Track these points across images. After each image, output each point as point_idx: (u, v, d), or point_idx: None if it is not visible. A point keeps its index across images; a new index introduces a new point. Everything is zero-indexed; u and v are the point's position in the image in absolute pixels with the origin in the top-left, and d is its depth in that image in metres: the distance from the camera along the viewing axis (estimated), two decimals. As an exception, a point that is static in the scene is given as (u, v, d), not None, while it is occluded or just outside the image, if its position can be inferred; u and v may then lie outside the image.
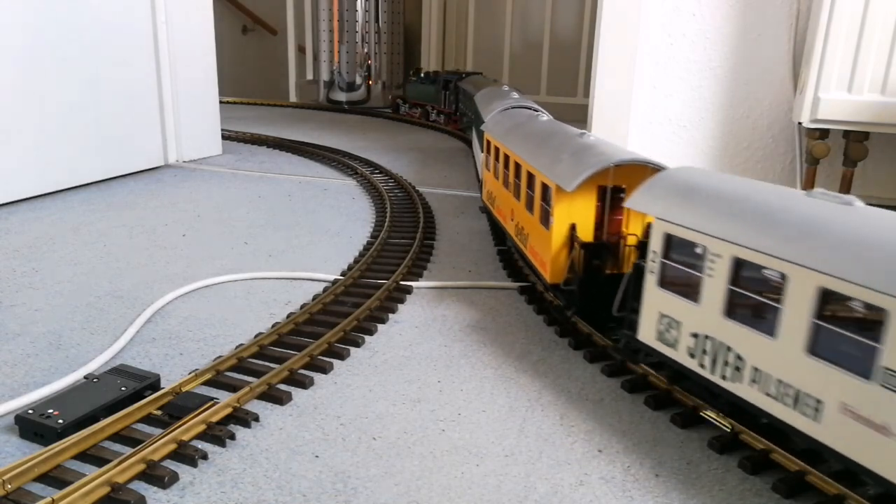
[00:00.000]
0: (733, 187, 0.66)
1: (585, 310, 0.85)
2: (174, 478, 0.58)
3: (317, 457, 0.62)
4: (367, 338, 0.86)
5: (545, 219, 0.90)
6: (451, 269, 1.14)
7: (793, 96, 1.52)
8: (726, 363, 0.62)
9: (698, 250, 0.64)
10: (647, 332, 0.71)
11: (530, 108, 1.34)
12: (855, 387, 0.50)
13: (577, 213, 0.85)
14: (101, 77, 1.66)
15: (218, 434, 0.63)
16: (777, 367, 0.57)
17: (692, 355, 0.66)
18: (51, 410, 0.64)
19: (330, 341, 0.82)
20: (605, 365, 0.80)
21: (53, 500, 0.52)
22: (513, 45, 3.50)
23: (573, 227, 0.86)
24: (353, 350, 0.83)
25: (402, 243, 1.23)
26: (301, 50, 3.98)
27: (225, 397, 0.69)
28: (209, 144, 2.10)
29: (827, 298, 0.52)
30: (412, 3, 3.77)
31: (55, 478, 0.57)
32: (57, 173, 1.57)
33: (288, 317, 0.90)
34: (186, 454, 0.60)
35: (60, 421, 0.63)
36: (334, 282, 1.03)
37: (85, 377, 0.72)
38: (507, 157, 1.11)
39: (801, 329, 0.54)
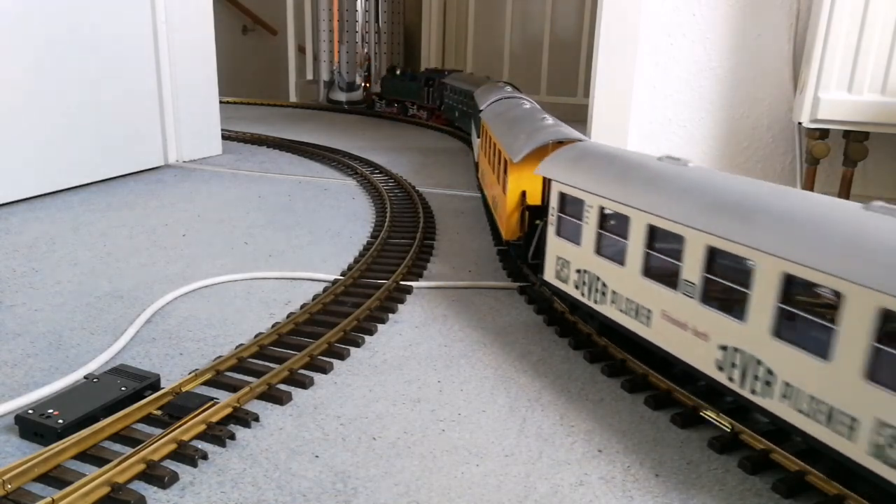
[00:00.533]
0: (608, 156, 0.83)
1: (529, 260, 1.00)
2: (174, 478, 0.58)
3: (317, 457, 0.62)
4: (367, 338, 0.86)
5: (504, 187, 1.08)
6: (451, 269, 1.14)
7: (793, 96, 1.52)
8: (597, 290, 0.80)
9: (580, 205, 0.82)
10: (549, 273, 0.90)
11: (519, 99, 1.48)
12: (669, 298, 0.69)
13: (526, 182, 1.02)
14: (100, 77, 1.66)
15: (218, 434, 0.63)
16: (625, 288, 0.75)
17: (577, 287, 0.84)
18: (51, 410, 0.64)
19: (330, 341, 0.82)
20: (605, 365, 0.80)
21: (53, 500, 0.52)
22: (513, 45, 3.50)
23: (523, 194, 1.03)
24: (353, 350, 0.83)
25: (402, 243, 1.23)
26: (301, 50, 3.98)
27: (225, 397, 0.69)
28: (209, 144, 2.10)
29: (653, 233, 0.71)
30: (412, 3, 3.77)
31: (55, 478, 0.57)
32: (57, 173, 1.57)
33: (288, 317, 0.90)
34: (186, 454, 0.60)
35: (60, 421, 0.63)
36: (334, 282, 1.03)
37: (85, 377, 0.72)
38: (489, 138, 1.30)
39: (640, 258, 0.73)
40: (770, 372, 0.58)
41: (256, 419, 0.67)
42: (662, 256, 0.70)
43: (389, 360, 0.82)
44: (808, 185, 1.48)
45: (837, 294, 0.51)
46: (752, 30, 1.53)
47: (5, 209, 1.43)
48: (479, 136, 1.46)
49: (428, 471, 0.61)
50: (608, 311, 0.78)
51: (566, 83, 3.36)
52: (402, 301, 0.99)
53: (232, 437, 0.64)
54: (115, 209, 1.46)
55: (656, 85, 1.60)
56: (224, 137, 2.23)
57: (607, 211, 0.77)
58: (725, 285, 0.62)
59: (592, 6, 3.12)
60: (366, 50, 3.60)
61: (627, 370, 0.79)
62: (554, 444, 0.65)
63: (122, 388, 0.69)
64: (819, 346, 0.53)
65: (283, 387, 0.73)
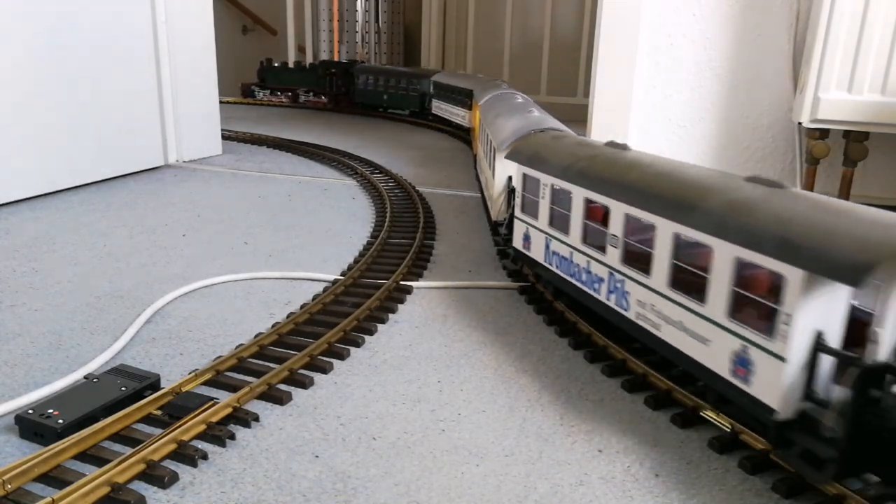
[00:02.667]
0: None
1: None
2: (174, 478, 0.58)
3: (317, 457, 0.62)
4: (367, 338, 0.86)
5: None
6: (451, 269, 1.14)
7: (793, 96, 1.52)
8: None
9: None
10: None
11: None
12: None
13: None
14: (101, 77, 1.67)
15: (218, 434, 0.63)
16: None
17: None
18: (51, 410, 0.64)
19: (330, 341, 0.82)
20: (605, 365, 0.80)
21: (53, 500, 0.52)
22: (513, 45, 3.50)
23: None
24: (353, 350, 0.83)
25: (402, 243, 1.23)
26: (301, 50, 3.98)
27: (225, 397, 0.69)
28: (209, 144, 2.10)
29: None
30: (412, 3, 3.77)
31: (55, 478, 0.57)
32: (57, 173, 1.57)
33: (288, 317, 0.90)
34: (186, 454, 0.60)
35: (60, 421, 0.63)
36: (334, 282, 1.03)
37: (85, 377, 0.72)
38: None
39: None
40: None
41: (256, 419, 0.67)
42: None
43: (389, 360, 0.82)
44: (808, 185, 1.48)
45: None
46: (752, 30, 1.53)
47: (5, 209, 1.43)
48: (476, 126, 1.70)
49: (428, 471, 0.61)
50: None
51: (566, 83, 3.36)
52: (402, 301, 0.99)
53: (232, 437, 0.64)
54: (115, 209, 1.46)
55: (656, 85, 1.60)
56: (224, 137, 2.23)
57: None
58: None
59: (592, 6, 3.12)
60: (366, 50, 3.60)
61: (627, 370, 0.79)
62: (554, 444, 0.65)
63: (122, 388, 0.69)
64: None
65: (283, 387, 0.73)
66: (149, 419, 0.66)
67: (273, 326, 0.86)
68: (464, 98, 2.42)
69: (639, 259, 0.74)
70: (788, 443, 0.58)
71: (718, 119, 1.59)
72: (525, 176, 0.99)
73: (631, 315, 0.76)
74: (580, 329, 0.88)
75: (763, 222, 0.59)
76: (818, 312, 0.56)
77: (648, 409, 0.72)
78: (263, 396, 0.71)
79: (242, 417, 0.67)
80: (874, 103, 1.34)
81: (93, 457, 0.60)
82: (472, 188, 1.75)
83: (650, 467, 0.62)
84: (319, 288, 1.03)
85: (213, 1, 2.02)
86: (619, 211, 0.77)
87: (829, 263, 0.52)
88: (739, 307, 0.61)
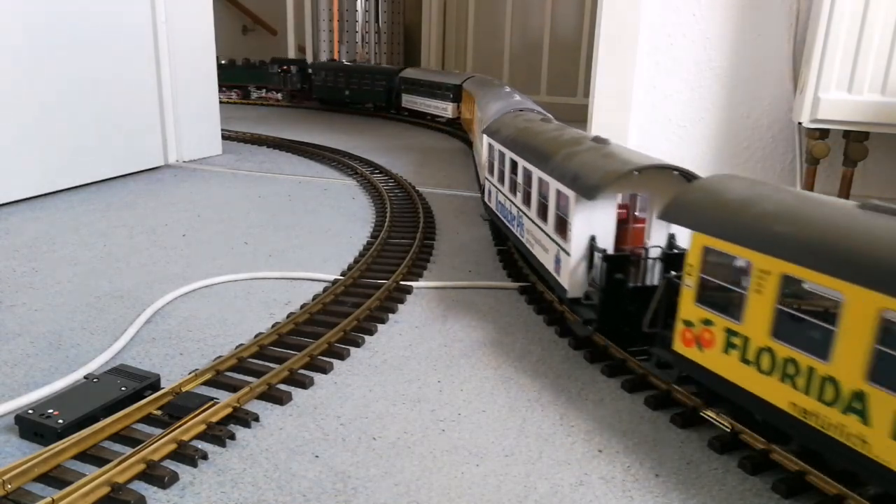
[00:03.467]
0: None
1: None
2: (174, 478, 0.58)
3: (317, 457, 0.62)
4: (367, 338, 0.86)
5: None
6: (451, 269, 1.14)
7: (793, 96, 1.52)
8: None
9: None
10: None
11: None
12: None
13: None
14: (101, 77, 1.66)
15: (218, 434, 0.63)
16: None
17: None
18: (51, 410, 0.64)
19: (330, 341, 0.82)
20: (605, 365, 0.80)
21: (53, 500, 0.52)
22: (513, 45, 3.50)
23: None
24: (353, 350, 0.83)
25: (402, 243, 1.23)
26: (301, 50, 3.97)
27: (225, 397, 0.69)
28: (209, 144, 2.10)
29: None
30: (412, 3, 3.77)
31: (55, 478, 0.57)
32: (57, 173, 1.57)
33: (288, 317, 0.90)
34: (186, 454, 0.60)
35: (60, 421, 0.63)
36: (334, 282, 1.03)
37: (85, 377, 0.72)
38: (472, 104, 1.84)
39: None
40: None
41: (256, 419, 0.67)
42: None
43: (389, 360, 0.82)
44: (808, 185, 1.48)
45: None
46: (752, 30, 1.53)
47: (5, 209, 1.43)
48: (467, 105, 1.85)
49: (428, 471, 0.61)
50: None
51: (566, 83, 3.36)
52: (402, 301, 0.99)
53: (232, 437, 0.64)
54: (115, 209, 1.46)
55: (656, 85, 1.60)
56: (224, 137, 2.23)
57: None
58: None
59: (592, 6, 3.12)
60: (366, 50, 3.60)
61: (627, 370, 0.79)
62: (554, 444, 0.65)
63: (122, 388, 0.69)
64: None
65: (283, 387, 0.73)
66: (149, 419, 0.66)
67: (273, 326, 0.86)
68: (447, 92, 2.73)
69: (527, 198, 0.99)
70: (575, 312, 0.84)
71: (718, 119, 1.58)
72: (489, 145, 1.21)
73: (524, 240, 1.01)
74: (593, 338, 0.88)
75: (568, 166, 0.84)
76: (590, 221, 0.80)
77: (648, 409, 0.72)
78: (263, 396, 0.71)
79: (242, 417, 0.67)
80: (874, 103, 1.34)
81: (93, 457, 0.60)
82: (472, 188, 1.75)
83: (650, 467, 0.62)
84: (319, 288, 1.03)
85: (213, 1, 2.02)
86: (520, 165, 1.01)
87: (581, 186, 0.78)
88: (557, 223, 0.86)
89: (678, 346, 0.68)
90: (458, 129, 2.69)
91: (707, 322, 0.64)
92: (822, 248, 0.53)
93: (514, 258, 1.16)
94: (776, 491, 0.59)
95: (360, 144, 2.38)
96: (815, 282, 0.53)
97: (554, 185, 0.86)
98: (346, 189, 1.72)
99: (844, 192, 1.46)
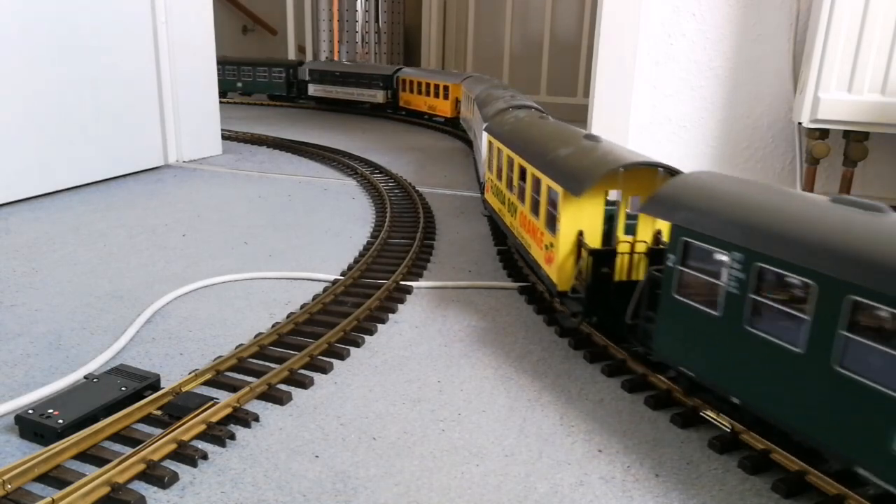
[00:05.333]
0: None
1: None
2: (174, 478, 0.58)
3: (317, 457, 0.62)
4: (367, 338, 0.86)
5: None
6: (451, 269, 1.14)
7: (793, 96, 1.52)
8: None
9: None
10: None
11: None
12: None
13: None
14: (100, 77, 1.66)
15: (218, 434, 0.63)
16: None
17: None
18: (51, 410, 0.64)
19: (330, 341, 0.82)
20: (605, 365, 0.80)
21: (53, 500, 0.52)
22: (513, 45, 3.50)
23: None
24: (353, 350, 0.83)
25: (402, 243, 1.23)
26: (301, 50, 3.97)
27: (225, 397, 0.69)
28: (209, 144, 2.10)
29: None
30: (412, 3, 3.77)
31: (55, 478, 0.57)
32: (57, 173, 1.57)
33: (288, 317, 0.90)
34: (186, 454, 0.60)
35: (60, 421, 0.63)
36: (334, 282, 1.03)
37: (85, 377, 0.72)
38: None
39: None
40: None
41: (256, 419, 0.67)
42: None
43: (389, 360, 0.82)
44: (808, 184, 1.48)
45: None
46: (752, 30, 1.53)
47: (5, 209, 1.43)
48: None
49: (428, 471, 0.61)
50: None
51: (566, 83, 3.36)
52: (402, 301, 0.99)
53: (232, 437, 0.64)
54: (115, 209, 1.46)
55: (656, 85, 1.60)
56: (224, 137, 2.23)
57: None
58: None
59: (592, 6, 3.12)
60: (366, 50, 3.60)
61: (627, 370, 0.79)
62: (554, 444, 0.65)
63: (122, 388, 0.69)
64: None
65: (283, 387, 0.73)
66: (149, 419, 0.66)
67: (273, 326, 0.86)
68: (378, 82, 3.17)
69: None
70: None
71: (718, 119, 1.58)
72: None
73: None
74: (580, 329, 0.88)
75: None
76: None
77: (648, 409, 0.72)
78: (263, 396, 0.71)
79: (242, 417, 0.67)
80: (874, 103, 1.34)
81: (93, 457, 0.60)
82: (472, 188, 1.75)
83: (650, 467, 0.62)
84: (319, 288, 1.03)
85: (213, 1, 2.02)
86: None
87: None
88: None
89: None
90: (458, 130, 2.69)
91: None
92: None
93: (513, 258, 1.17)
94: (776, 491, 0.59)
95: (360, 144, 2.38)
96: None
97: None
98: (345, 189, 1.72)
99: (844, 192, 1.46)
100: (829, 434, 0.53)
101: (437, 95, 2.83)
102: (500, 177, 1.17)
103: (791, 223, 0.57)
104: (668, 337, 0.70)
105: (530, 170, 0.96)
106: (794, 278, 0.55)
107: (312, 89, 3.46)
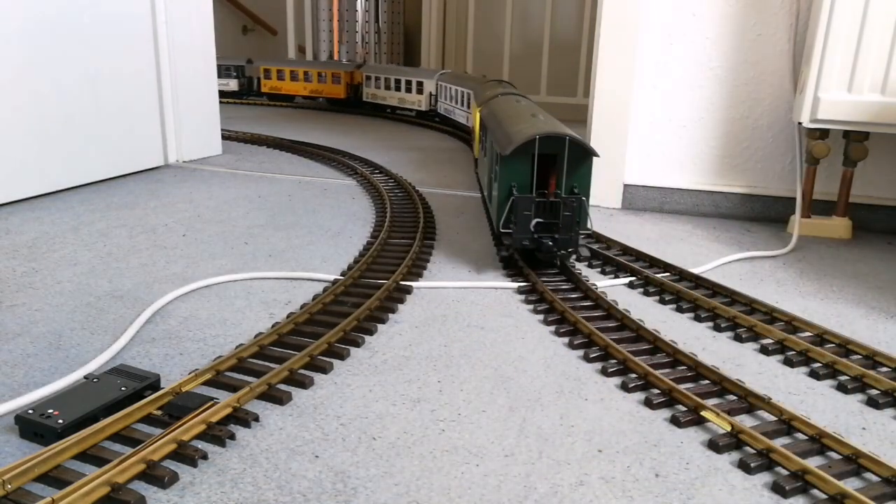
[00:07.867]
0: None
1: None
2: (174, 478, 0.58)
3: (317, 457, 0.62)
4: (367, 338, 0.86)
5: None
6: (451, 269, 1.14)
7: (793, 96, 1.51)
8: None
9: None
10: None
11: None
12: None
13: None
14: (100, 77, 1.66)
15: (218, 434, 0.63)
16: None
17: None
18: (51, 410, 0.64)
19: (330, 341, 0.82)
20: (605, 365, 0.80)
21: (53, 500, 0.52)
22: (513, 45, 3.50)
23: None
24: (353, 350, 0.83)
25: (402, 243, 1.23)
26: (301, 50, 3.97)
27: (225, 397, 0.69)
28: (209, 144, 2.10)
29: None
30: (412, 3, 3.77)
31: (55, 478, 0.57)
32: (57, 173, 1.57)
33: (288, 317, 0.90)
34: (186, 454, 0.60)
35: (60, 421, 0.63)
36: (334, 282, 1.03)
37: (85, 377, 0.72)
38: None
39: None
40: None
41: (256, 419, 0.67)
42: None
43: (389, 360, 0.82)
44: (808, 185, 1.48)
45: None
46: (752, 30, 1.52)
47: (5, 209, 1.43)
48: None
49: (428, 471, 0.61)
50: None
51: (566, 83, 3.36)
52: (402, 301, 0.99)
53: (232, 437, 0.64)
54: (115, 209, 1.46)
55: (656, 85, 1.60)
56: (224, 137, 2.23)
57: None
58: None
59: (592, 6, 3.12)
60: (366, 50, 3.60)
61: (627, 370, 0.79)
62: (554, 444, 0.65)
63: (122, 388, 0.69)
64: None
65: (283, 387, 0.73)
66: (149, 419, 0.66)
67: (273, 326, 0.86)
68: (232, 72, 3.54)
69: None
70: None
71: (718, 119, 1.58)
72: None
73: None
74: (580, 329, 0.88)
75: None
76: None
77: (648, 409, 0.72)
78: (263, 396, 0.71)
79: (242, 417, 0.67)
80: (874, 103, 1.34)
81: (93, 457, 0.60)
82: (472, 188, 1.75)
83: (650, 467, 0.62)
84: (319, 288, 1.03)
85: (213, 1, 2.02)
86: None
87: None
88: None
89: None
90: (458, 130, 2.69)
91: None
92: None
93: (514, 258, 1.17)
94: (776, 491, 0.59)
95: (360, 144, 2.38)
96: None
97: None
98: (345, 189, 1.72)
99: (844, 192, 1.46)
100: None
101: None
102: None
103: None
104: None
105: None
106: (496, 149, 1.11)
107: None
